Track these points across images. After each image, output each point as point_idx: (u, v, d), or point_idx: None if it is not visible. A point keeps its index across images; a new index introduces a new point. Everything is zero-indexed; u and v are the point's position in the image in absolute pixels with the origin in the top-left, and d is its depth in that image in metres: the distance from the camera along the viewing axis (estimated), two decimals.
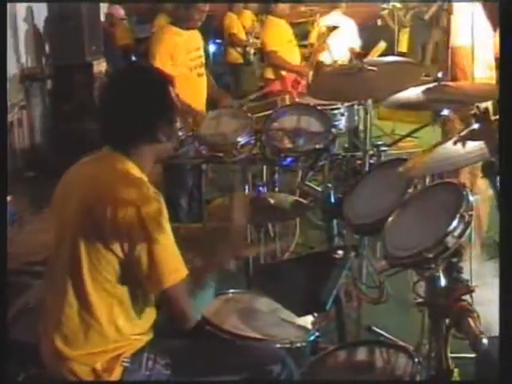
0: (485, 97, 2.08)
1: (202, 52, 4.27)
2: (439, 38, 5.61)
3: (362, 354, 1.96)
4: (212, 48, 9.84)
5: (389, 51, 6.08)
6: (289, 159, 2.78)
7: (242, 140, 2.82)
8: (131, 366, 1.92)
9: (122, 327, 1.92)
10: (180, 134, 2.91)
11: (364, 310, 3.02)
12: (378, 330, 3.23)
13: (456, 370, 1.82)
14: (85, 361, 1.90)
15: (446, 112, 2.27)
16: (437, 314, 1.82)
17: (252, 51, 7.52)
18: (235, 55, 7.81)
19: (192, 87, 4.12)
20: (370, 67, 2.59)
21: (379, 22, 7.57)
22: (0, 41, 2.32)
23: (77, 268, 1.88)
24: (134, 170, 1.95)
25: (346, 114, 3.90)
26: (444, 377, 1.79)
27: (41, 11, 6.19)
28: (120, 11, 7.73)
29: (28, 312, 2.49)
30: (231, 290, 2.46)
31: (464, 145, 1.77)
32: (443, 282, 1.87)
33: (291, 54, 5.95)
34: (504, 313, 1.49)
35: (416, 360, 1.82)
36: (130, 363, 1.92)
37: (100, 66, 6.07)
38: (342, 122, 3.98)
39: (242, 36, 7.79)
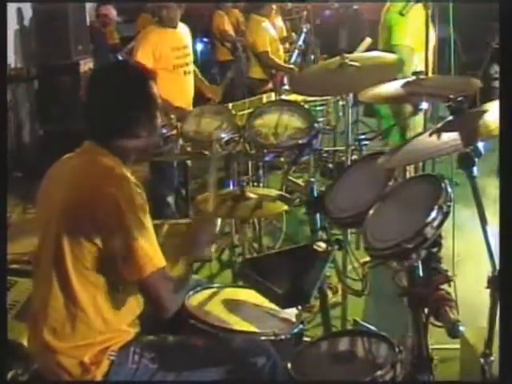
0: (462, 90, 2.10)
1: (189, 50, 4.30)
2: None
3: (344, 344, 1.99)
4: (199, 47, 9.88)
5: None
6: (271, 155, 2.81)
7: (225, 136, 2.84)
8: (118, 360, 1.94)
9: (109, 318, 1.96)
10: (164, 131, 2.94)
11: (350, 302, 3.06)
12: (363, 323, 3.27)
13: (436, 358, 1.86)
14: (73, 353, 1.93)
15: (424, 105, 2.30)
16: (416, 304, 1.84)
17: (241, 48, 7.56)
18: (225, 52, 7.85)
19: (177, 85, 4.15)
20: (351, 62, 2.62)
21: None
22: (0, 41, 2.32)
23: (61, 260, 1.91)
24: (115, 164, 1.98)
25: (330, 110, 3.96)
26: (425, 365, 1.83)
27: (26, 11, 6.19)
28: (113, 12, 7.72)
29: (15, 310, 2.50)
30: (216, 284, 2.49)
31: (440, 136, 1.79)
32: (422, 272, 1.90)
33: (277, 52, 6.00)
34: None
35: (397, 349, 1.85)
36: (117, 357, 1.95)
37: (87, 66, 6.06)
38: (332, 118, 4.03)
39: (232, 33, 7.84)
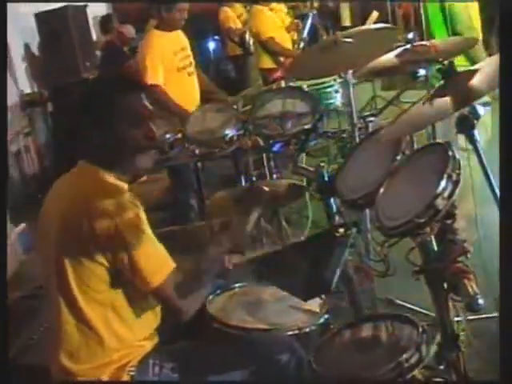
0: (457, 51, 2.01)
1: (189, 51, 4.30)
2: None
3: (366, 330, 1.92)
4: (212, 45, 9.86)
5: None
6: (278, 144, 2.74)
7: (229, 133, 2.79)
8: (138, 375, 1.92)
9: (123, 335, 1.93)
10: (168, 136, 2.91)
11: (380, 284, 2.98)
12: (399, 302, 3.20)
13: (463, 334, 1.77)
14: (92, 374, 1.91)
15: (422, 72, 2.21)
16: (434, 280, 1.77)
17: (251, 40, 7.49)
18: (235, 47, 7.79)
19: (183, 87, 4.15)
20: (345, 39, 2.54)
21: None
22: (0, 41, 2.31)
23: (65, 284, 1.89)
24: (109, 180, 1.94)
25: (340, 90, 3.87)
26: (451, 342, 1.75)
27: (33, 35, 6.23)
28: (131, 31, 7.69)
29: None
30: (236, 285, 2.44)
31: (433, 103, 1.71)
32: (437, 245, 1.82)
33: (284, 39, 5.92)
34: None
35: (420, 329, 1.77)
36: (137, 372, 1.92)
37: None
38: (338, 99, 3.94)
39: (238, 27, 7.76)
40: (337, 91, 3.95)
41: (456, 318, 1.79)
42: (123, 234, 1.83)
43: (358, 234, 2.52)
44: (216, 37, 9.51)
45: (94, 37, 7.79)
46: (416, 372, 1.71)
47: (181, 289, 1.92)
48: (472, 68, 1.70)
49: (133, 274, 1.85)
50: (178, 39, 4.23)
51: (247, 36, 6.94)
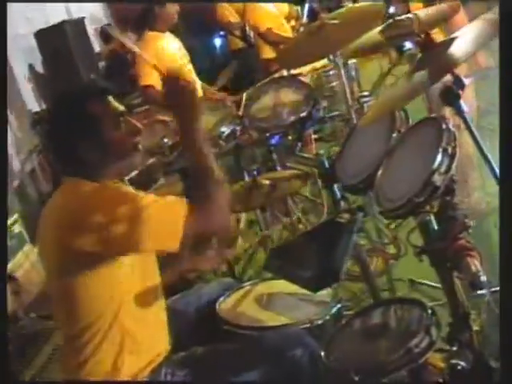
0: (441, 19, 1.94)
1: (184, 51, 4.30)
2: None
3: (376, 317, 1.87)
4: (218, 41, 9.81)
5: None
6: (276, 136, 2.70)
7: (226, 130, 2.76)
8: None
9: (135, 338, 1.91)
10: (165, 140, 2.88)
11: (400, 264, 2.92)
12: (421, 281, 3.13)
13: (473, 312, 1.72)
14: None
15: (409, 45, 2.14)
16: (437, 260, 1.71)
17: (252, 33, 7.42)
18: (237, 41, 7.72)
19: None
20: (330, 21, 2.48)
21: None
22: (0, 41, 2.31)
23: (74, 301, 1.87)
24: (95, 187, 1.92)
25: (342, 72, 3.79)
26: (462, 322, 1.69)
27: (35, 55, 6.25)
28: (132, 37, 7.66)
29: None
30: (246, 283, 2.41)
31: (413, 77, 1.64)
32: (437, 224, 1.76)
33: (284, 28, 5.85)
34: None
35: (429, 311, 1.72)
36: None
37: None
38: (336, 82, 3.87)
39: (236, 21, 7.70)
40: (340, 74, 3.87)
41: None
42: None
43: (365, 217, 2.49)
44: (221, 32, 9.46)
45: (98, 48, 7.79)
46: (429, 355, 1.66)
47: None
48: (449, 37, 1.64)
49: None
50: (172, 39, 4.25)
51: (247, 29, 6.87)
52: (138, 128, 2.01)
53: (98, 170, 1.94)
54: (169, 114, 3.90)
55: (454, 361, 1.75)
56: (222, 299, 2.26)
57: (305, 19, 5.59)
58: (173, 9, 4.18)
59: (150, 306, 1.96)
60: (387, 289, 2.83)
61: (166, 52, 4.20)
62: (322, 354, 1.78)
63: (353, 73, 4.14)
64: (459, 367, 1.76)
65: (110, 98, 1.97)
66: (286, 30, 5.82)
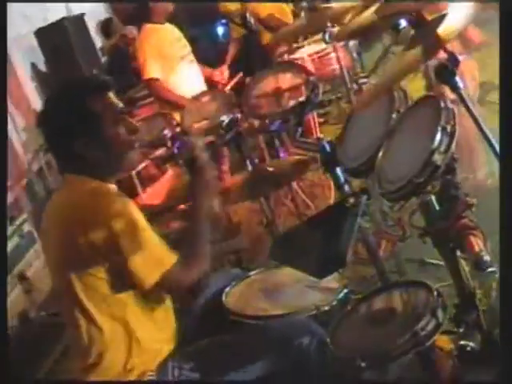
0: None
1: (185, 41, 4.28)
2: None
3: (382, 301, 1.84)
4: (220, 30, 9.75)
5: None
6: (277, 123, 2.66)
7: (225, 119, 2.72)
8: (157, 379, 1.89)
9: (140, 337, 1.90)
10: (165, 132, 2.86)
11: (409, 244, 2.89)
12: (431, 261, 3.10)
13: (479, 292, 1.69)
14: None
15: (404, 23, 2.09)
16: (440, 241, 1.68)
17: (252, 19, 7.36)
18: (238, 29, 7.66)
19: (188, 74, 4.14)
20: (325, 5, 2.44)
21: None
22: (0, 41, 2.30)
23: (75, 296, 1.86)
24: (96, 186, 1.90)
25: (340, 55, 3.75)
26: (467, 303, 1.66)
27: (37, 54, 6.24)
28: (134, 31, 7.64)
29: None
30: (252, 272, 2.39)
31: (406, 55, 1.61)
32: (439, 204, 1.73)
33: (284, 12, 5.79)
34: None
35: (435, 293, 1.69)
36: (157, 375, 1.90)
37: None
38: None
39: (238, 7, 7.64)
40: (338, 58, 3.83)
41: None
42: (120, 240, 1.80)
43: (369, 200, 2.46)
44: (223, 20, 9.39)
45: (99, 43, 7.77)
46: (436, 338, 1.64)
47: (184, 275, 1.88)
48: (440, 14, 1.60)
49: (128, 276, 1.82)
50: (171, 30, 4.24)
51: (248, 15, 6.81)
52: (135, 127, 2.00)
53: (96, 168, 1.93)
54: (169, 107, 3.91)
55: (462, 342, 1.73)
56: (227, 290, 2.25)
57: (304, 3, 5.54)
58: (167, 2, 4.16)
59: (156, 306, 1.95)
60: (396, 271, 2.80)
61: (165, 43, 4.18)
62: (328, 341, 1.76)
63: (354, 54, 4.11)
64: (468, 348, 1.74)
65: (110, 94, 1.95)
66: (286, 14, 5.76)
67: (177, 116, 3.04)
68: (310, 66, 3.89)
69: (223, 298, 2.19)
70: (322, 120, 4.99)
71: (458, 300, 1.70)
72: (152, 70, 4.03)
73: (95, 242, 1.79)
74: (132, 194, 5.49)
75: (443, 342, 1.74)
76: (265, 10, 5.64)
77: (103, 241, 1.79)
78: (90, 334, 1.88)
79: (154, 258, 1.84)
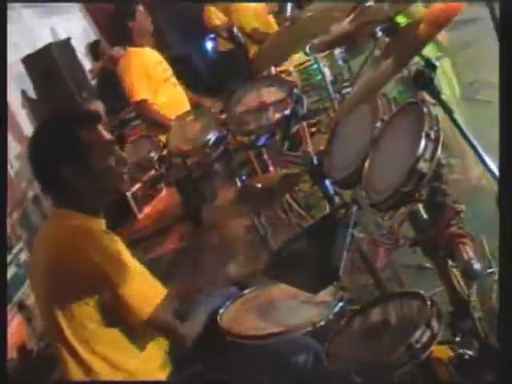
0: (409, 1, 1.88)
1: (166, 64, 4.28)
2: None
3: (376, 314, 1.82)
4: (209, 44, 9.77)
5: None
6: (263, 138, 2.64)
7: (211, 137, 2.71)
8: None
9: (131, 369, 1.88)
10: (152, 154, 2.85)
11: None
12: (429, 266, 3.07)
13: (474, 299, 1.66)
14: None
15: (380, 32, 2.08)
16: (430, 250, 1.65)
17: (239, 33, 7.36)
18: (225, 43, 7.67)
19: (173, 96, 4.12)
20: (302, 14, 2.43)
21: None
22: (0, 41, 2.29)
23: (61, 333, 1.85)
24: (80, 221, 1.89)
25: (325, 64, 3.75)
26: (462, 311, 1.64)
27: (26, 81, 6.24)
28: (121, 52, 7.65)
29: None
30: (246, 291, 2.37)
31: (381, 65, 1.59)
32: (427, 212, 1.70)
33: (269, 24, 5.79)
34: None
35: (429, 302, 1.66)
36: None
37: (97, 107, 6.05)
38: (327, 73, 3.82)
39: (225, 21, 7.65)
40: (324, 66, 3.83)
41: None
42: (105, 273, 1.78)
43: (360, 210, 2.43)
44: (210, 35, 9.42)
45: (89, 66, 7.79)
46: (433, 348, 1.61)
47: (178, 313, 1.86)
48: (412, 20, 1.58)
49: (121, 310, 1.79)
50: (152, 53, 4.25)
51: (235, 29, 6.82)
52: (124, 159, 2.00)
53: (84, 200, 1.92)
54: (156, 129, 3.89)
55: (460, 350, 1.70)
56: (222, 311, 2.22)
57: (289, 13, 5.54)
58: (146, 21, 4.16)
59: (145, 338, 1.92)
60: (393, 279, 2.78)
61: (149, 65, 4.18)
62: (324, 357, 1.73)
63: (340, 62, 4.10)
64: (466, 356, 1.71)
65: (99, 127, 1.95)
66: (272, 27, 5.77)
67: (162, 137, 3.03)
68: (297, 77, 3.88)
69: (218, 320, 2.16)
70: (314, 129, 4.99)
71: (453, 308, 1.67)
72: (140, 91, 4.02)
73: (79, 279, 1.78)
74: (129, 214, 5.50)
75: (441, 351, 1.71)
76: (250, 23, 5.64)
77: (88, 278, 1.78)
78: (77, 369, 1.85)
79: (146, 287, 1.82)
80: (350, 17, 2.04)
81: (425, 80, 1.57)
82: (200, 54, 9.32)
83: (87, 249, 1.79)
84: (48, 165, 1.91)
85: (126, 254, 1.83)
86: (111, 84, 6.85)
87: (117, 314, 1.82)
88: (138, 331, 1.87)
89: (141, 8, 4.17)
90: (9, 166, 5.28)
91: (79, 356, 1.84)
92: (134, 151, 2.97)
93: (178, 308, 1.86)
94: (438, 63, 1.54)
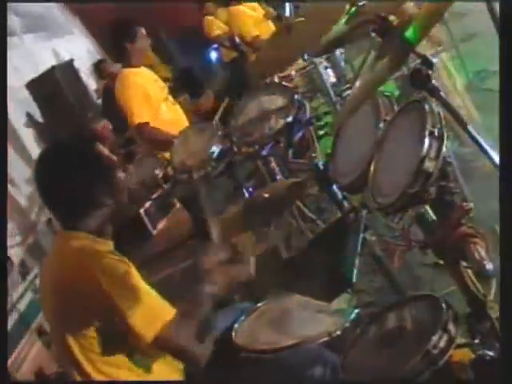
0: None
1: (162, 82, 4.25)
2: None
3: (391, 320, 1.76)
4: (214, 55, 9.78)
5: None
6: (268, 147, 2.61)
7: (215, 150, 2.68)
8: None
9: None
10: (157, 172, 2.83)
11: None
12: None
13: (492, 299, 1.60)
14: None
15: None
16: (441, 251, 1.60)
17: (238, 42, 7.36)
18: (229, 52, 7.66)
19: (173, 115, 4.08)
20: (297, 19, 2.40)
21: None
22: (0, 41, 2.29)
23: (73, 358, 1.82)
24: (87, 243, 1.87)
25: (326, 66, 3.72)
26: (479, 311, 1.59)
27: (31, 104, 6.26)
28: (117, 66, 7.66)
29: None
30: (260, 304, 2.32)
31: (376, 67, 1.55)
32: (435, 213, 1.66)
33: (270, 31, 5.78)
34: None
35: (444, 305, 1.61)
36: None
37: (105, 129, 6.05)
38: (331, 74, 3.80)
39: (226, 31, 7.64)
40: (326, 68, 3.80)
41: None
42: (110, 294, 1.75)
43: (370, 214, 2.39)
44: (213, 46, 9.42)
45: (95, 85, 7.82)
46: (452, 352, 1.56)
47: (189, 332, 1.82)
48: (403, 19, 1.54)
49: (132, 330, 1.77)
50: (149, 72, 4.20)
51: (236, 38, 6.82)
52: (124, 184, 2.02)
53: (91, 220, 1.90)
54: (160, 148, 3.85)
55: (480, 352, 1.65)
56: (237, 326, 2.18)
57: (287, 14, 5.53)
58: (145, 43, 4.08)
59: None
60: (410, 279, 2.72)
61: (147, 85, 4.11)
62: (340, 369, 1.68)
63: (342, 63, 4.07)
64: (487, 357, 1.65)
65: (103, 150, 1.95)
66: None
67: (166, 154, 2.99)
68: (299, 82, 3.85)
69: (233, 336, 2.12)
70: (322, 132, 4.95)
71: (470, 309, 1.62)
72: (139, 114, 3.93)
73: (86, 300, 1.76)
74: (143, 232, 5.49)
75: (461, 354, 1.65)
76: (250, 31, 5.64)
77: (94, 299, 1.75)
78: None
79: (153, 309, 1.80)
80: (345, 18, 2.01)
81: (422, 78, 1.52)
82: (204, 65, 9.33)
83: (94, 269, 1.77)
84: (56, 185, 1.90)
85: (134, 275, 1.81)
86: (113, 102, 6.89)
87: (117, 336, 1.79)
88: (142, 353, 1.84)
89: (142, 30, 4.08)
90: (18, 191, 5.30)
91: (90, 376, 1.82)
92: (139, 170, 2.96)
93: (189, 327, 1.82)
94: (434, 60, 1.50)
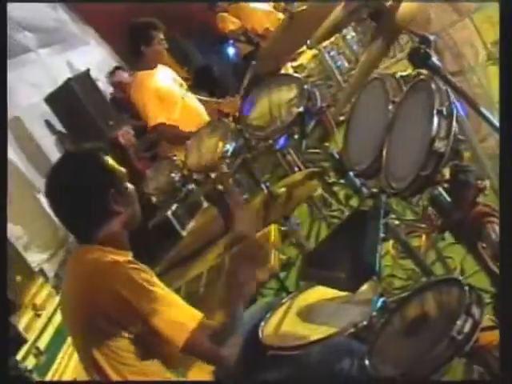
0: None
1: (180, 79, 4.23)
2: None
3: (415, 307, 1.71)
4: (231, 50, 9.75)
5: None
6: (281, 140, 2.58)
7: (229, 147, 2.66)
8: None
9: None
10: (172, 175, 2.82)
11: None
12: None
13: None
14: None
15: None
16: (459, 233, 1.55)
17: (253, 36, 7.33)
18: (245, 46, 7.64)
19: (192, 112, 4.07)
20: (297, 8, 2.35)
21: None
22: (0, 41, 2.31)
23: (100, 370, 1.82)
24: (103, 255, 1.87)
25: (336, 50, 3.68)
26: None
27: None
28: (125, 75, 7.68)
29: None
30: (284, 299, 2.30)
31: (370, 52, 1.50)
32: (449, 194, 1.61)
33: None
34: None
35: (466, 288, 1.56)
36: None
37: (125, 136, 6.07)
38: (338, 60, 3.75)
39: (240, 26, 7.61)
40: (329, 52, 3.75)
41: None
42: (132, 304, 1.74)
43: (389, 198, 2.34)
44: (230, 41, 9.39)
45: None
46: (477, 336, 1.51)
47: (216, 334, 1.81)
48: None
49: (156, 341, 1.76)
50: (164, 72, 4.18)
51: (250, 34, 6.80)
52: (134, 195, 2.00)
53: (110, 233, 1.90)
54: (179, 147, 3.85)
55: None
56: (263, 324, 2.15)
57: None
58: (160, 46, 4.07)
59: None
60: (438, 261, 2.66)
61: (162, 86, 4.12)
62: (367, 362, 1.65)
63: (355, 47, 4.01)
64: None
65: (113, 165, 1.95)
66: None
67: (181, 155, 2.99)
68: (312, 71, 3.81)
69: (260, 335, 2.10)
70: (342, 118, 4.89)
71: (494, 290, 1.57)
72: (156, 115, 3.96)
73: (108, 312, 1.75)
74: (173, 234, 5.50)
75: (488, 336, 1.60)
76: (261, 24, 5.62)
77: (117, 310, 1.75)
78: None
79: (179, 314, 1.78)
80: (342, 4, 1.96)
81: (422, 57, 1.47)
82: (222, 60, 9.30)
83: (113, 281, 1.77)
84: (65, 199, 1.90)
85: (155, 283, 1.80)
86: (132, 110, 6.91)
87: (152, 345, 1.79)
88: (176, 360, 1.83)
89: (160, 35, 4.07)
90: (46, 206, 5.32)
91: None
92: (155, 175, 2.96)
93: (216, 329, 1.80)
94: (432, 37, 1.45)
